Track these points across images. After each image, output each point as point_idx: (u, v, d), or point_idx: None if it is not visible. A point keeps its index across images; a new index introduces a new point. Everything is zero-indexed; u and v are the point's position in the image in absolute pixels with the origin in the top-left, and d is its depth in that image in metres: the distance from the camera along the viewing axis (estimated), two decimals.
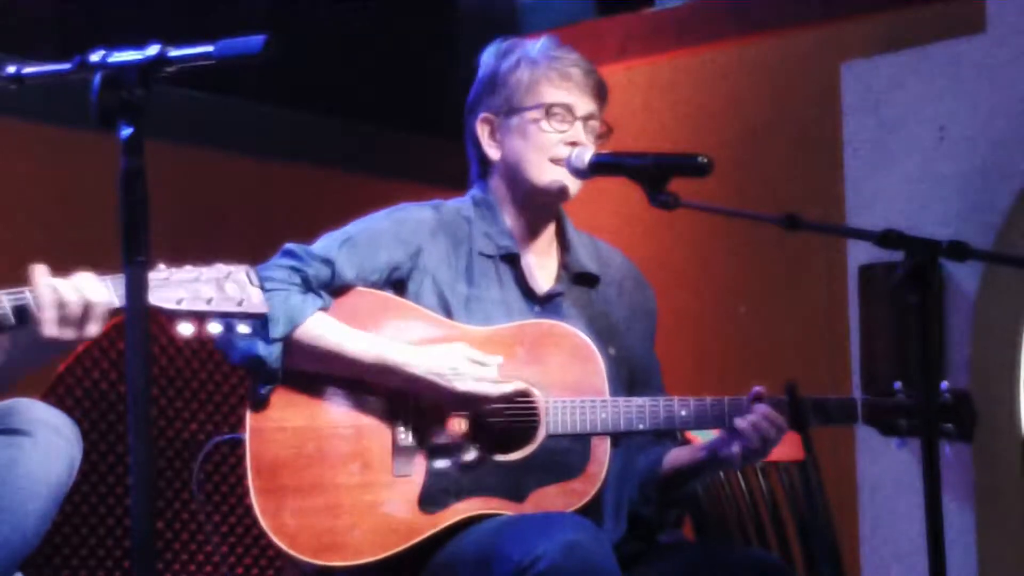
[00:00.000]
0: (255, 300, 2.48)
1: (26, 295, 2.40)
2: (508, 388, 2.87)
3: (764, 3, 5.25)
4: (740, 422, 2.88)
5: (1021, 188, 4.67)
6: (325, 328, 2.86)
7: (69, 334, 2.42)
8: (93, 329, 2.43)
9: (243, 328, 2.51)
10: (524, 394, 2.88)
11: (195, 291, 2.44)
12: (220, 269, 2.48)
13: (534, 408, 2.87)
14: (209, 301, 2.44)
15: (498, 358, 2.88)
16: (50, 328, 2.40)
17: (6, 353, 2.51)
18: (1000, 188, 4.68)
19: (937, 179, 4.78)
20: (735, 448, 2.89)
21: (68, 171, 4.75)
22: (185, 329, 2.46)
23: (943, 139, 4.78)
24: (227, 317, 2.46)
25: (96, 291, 2.42)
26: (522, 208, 3.05)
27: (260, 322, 2.79)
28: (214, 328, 2.47)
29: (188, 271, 2.46)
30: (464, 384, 2.85)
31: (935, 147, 4.79)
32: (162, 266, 2.44)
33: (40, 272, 2.42)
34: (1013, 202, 4.67)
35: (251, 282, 2.49)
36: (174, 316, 2.43)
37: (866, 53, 4.97)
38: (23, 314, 2.40)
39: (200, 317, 2.45)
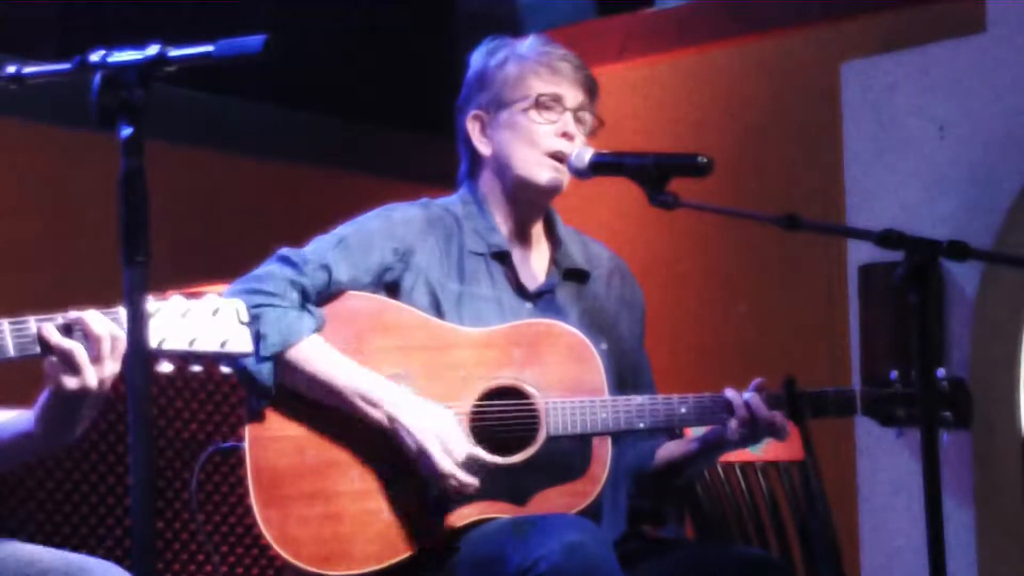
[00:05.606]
0: (241, 340, 2.39)
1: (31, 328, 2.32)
2: (473, 481, 2.81)
3: (764, 3, 5.25)
4: (733, 396, 2.89)
5: (1021, 188, 4.66)
6: (316, 351, 2.82)
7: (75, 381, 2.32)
8: (108, 367, 2.34)
9: (224, 368, 2.43)
10: (522, 395, 2.88)
11: (179, 329, 2.35)
12: (209, 304, 2.39)
13: (533, 410, 2.86)
14: (192, 342, 2.35)
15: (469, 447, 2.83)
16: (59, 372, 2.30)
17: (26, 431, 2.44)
18: (1000, 188, 4.68)
19: (937, 179, 4.78)
20: (726, 433, 2.90)
21: (68, 171, 4.75)
22: (165, 368, 2.35)
23: (943, 139, 4.78)
24: (208, 358, 2.39)
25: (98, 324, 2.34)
26: (513, 204, 3.04)
27: (253, 335, 2.76)
28: (195, 368, 2.37)
29: (176, 305, 2.37)
30: (444, 463, 2.78)
31: (935, 147, 4.79)
32: (151, 298, 2.31)
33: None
34: (1013, 202, 4.67)
35: (240, 319, 2.39)
36: (154, 356, 2.33)
37: (866, 53, 4.96)
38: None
39: (182, 358, 2.36)
